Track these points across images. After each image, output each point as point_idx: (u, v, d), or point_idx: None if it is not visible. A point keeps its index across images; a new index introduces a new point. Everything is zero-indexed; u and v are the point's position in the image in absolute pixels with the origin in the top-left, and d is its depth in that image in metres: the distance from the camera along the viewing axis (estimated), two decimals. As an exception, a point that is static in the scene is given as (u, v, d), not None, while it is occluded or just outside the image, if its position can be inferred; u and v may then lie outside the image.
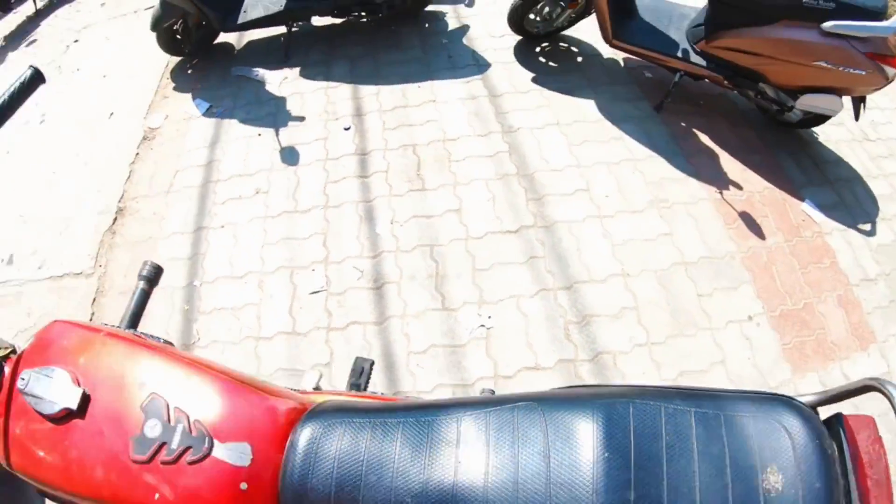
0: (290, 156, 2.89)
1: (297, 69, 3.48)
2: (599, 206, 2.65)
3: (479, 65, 3.35)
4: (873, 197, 2.80)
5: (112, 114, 3.57)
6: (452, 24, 3.72)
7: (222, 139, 3.08)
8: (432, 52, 3.49)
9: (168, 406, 0.94)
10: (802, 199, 2.74)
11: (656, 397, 0.87)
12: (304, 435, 0.97)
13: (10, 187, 3.28)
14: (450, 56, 3.40)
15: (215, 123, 3.20)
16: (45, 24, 5.47)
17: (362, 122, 3.02)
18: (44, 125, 3.75)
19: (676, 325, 2.32)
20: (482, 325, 2.28)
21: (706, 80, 2.89)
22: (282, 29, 3.71)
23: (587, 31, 3.43)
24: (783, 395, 0.87)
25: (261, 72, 3.50)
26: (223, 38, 3.83)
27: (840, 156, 2.98)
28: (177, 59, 3.80)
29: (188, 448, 0.90)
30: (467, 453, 0.89)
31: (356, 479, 0.91)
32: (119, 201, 2.95)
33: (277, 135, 3.01)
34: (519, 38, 3.45)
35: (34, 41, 5.20)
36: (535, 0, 3.09)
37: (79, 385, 0.94)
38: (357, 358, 1.50)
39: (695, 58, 2.77)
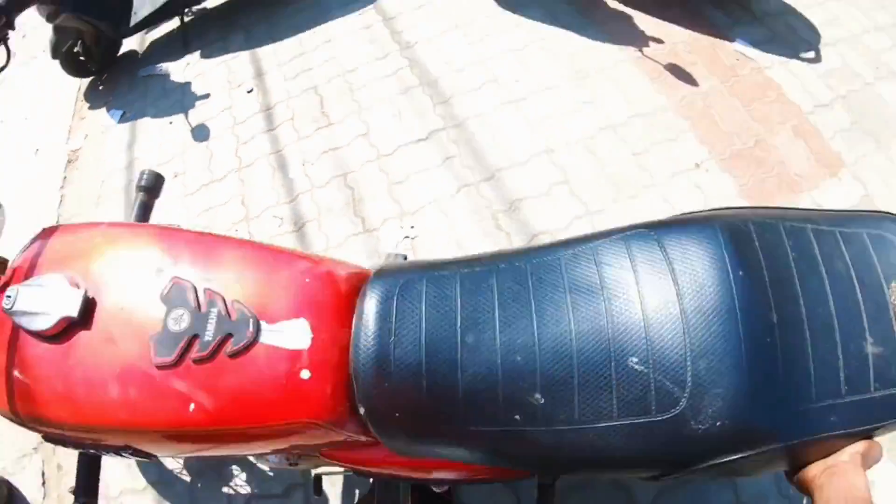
0: (200, 133, 2.87)
1: (198, 52, 3.45)
2: (511, 91, 2.55)
3: None
4: (811, 25, 2.62)
5: (38, 150, 3.59)
6: None
7: (138, 139, 3.07)
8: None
9: (195, 290, 0.75)
10: (733, 41, 2.59)
11: (770, 216, 0.75)
12: (376, 298, 0.76)
13: None
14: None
15: (130, 127, 3.19)
16: None
17: (263, 82, 2.97)
18: None
19: (615, 189, 2.22)
20: (406, 237, 2.23)
21: None
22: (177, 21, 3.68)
23: None
24: (890, 213, 0.78)
25: (164, 66, 3.47)
26: (126, 45, 3.80)
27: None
28: (88, 79, 3.79)
29: (228, 337, 0.72)
30: (580, 296, 0.73)
31: (451, 341, 0.72)
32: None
33: (187, 117, 2.98)
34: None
35: None
36: None
37: (78, 288, 0.76)
38: None
39: None
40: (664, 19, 2.68)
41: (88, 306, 0.75)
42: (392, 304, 0.75)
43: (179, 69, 3.39)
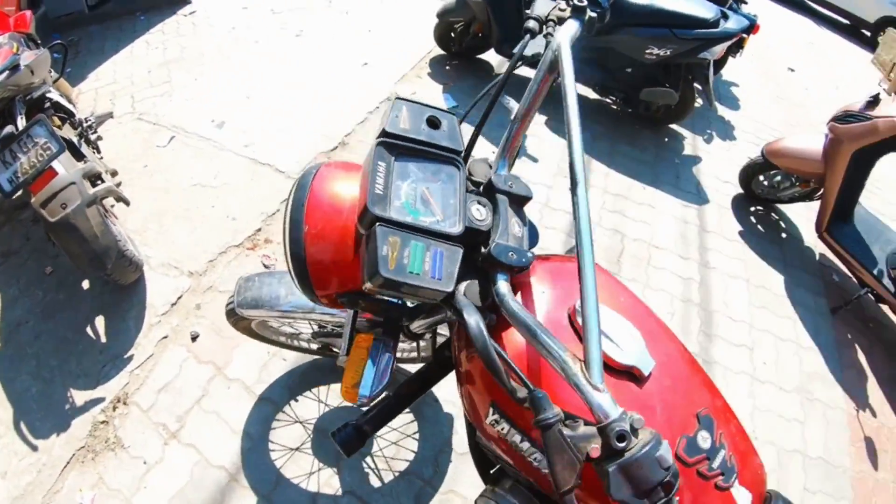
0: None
1: (545, 117, 3.61)
2: (755, 367, 2.57)
3: (699, 195, 3.35)
4: None
5: (366, 63, 3.87)
6: (688, 149, 3.77)
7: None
8: (662, 163, 3.53)
9: (716, 428, 0.84)
10: None
11: None
12: None
13: (250, 72, 3.58)
14: (677, 176, 3.51)
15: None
16: None
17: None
18: (300, 38, 4.09)
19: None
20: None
21: (888, 305, 2.86)
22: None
23: (799, 214, 3.44)
24: None
25: (511, 101, 3.70)
26: (484, 55, 4.11)
27: None
28: (439, 51, 4.09)
29: (720, 474, 0.81)
30: None
31: None
32: (346, 136, 3.13)
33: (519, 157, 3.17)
34: (741, 191, 3.51)
35: None
36: (770, 166, 3.17)
37: (651, 356, 0.83)
38: None
39: (887, 282, 2.73)
40: (888, 399, 2.66)
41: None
42: None
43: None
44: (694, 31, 3.12)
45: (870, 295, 2.86)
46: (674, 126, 3.87)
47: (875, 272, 2.78)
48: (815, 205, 3.13)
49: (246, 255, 2.39)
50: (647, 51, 3.24)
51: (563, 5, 1.02)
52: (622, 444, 0.59)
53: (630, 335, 0.83)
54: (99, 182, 1.97)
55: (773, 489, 0.92)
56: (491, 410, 0.82)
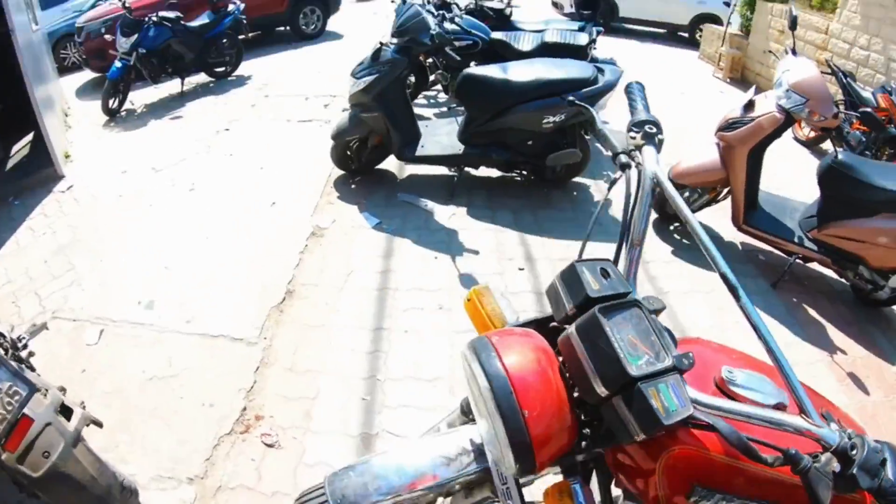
0: (468, 281, 3.07)
1: (464, 208, 3.75)
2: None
3: None
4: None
5: (274, 203, 3.82)
6: (597, 195, 4.12)
7: (395, 253, 3.24)
8: (583, 215, 3.80)
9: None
10: (893, 364, 2.92)
11: None
12: None
13: (156, 239, 3.39)
14: (600, 223, 3.76)
15: (386, 238, 3.38)
16: (191, 106, 6.02)
17: (534, 266, 3.23)
18: (195, 192, 3.96)
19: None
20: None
21: (816, 262, 3.27)
22: (441, 168, 4.13)
23: (709, 218, 3.81)
24: None
25: (429, 203, 3.82)
26: (383, 164, 4.22)
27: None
28: (339, 172, 4.16)
29: None
30: None
31: None
32: (289, 283, 3.05)
33: (454, 261, 3.22)
34: (656, 216, 3.87)
35: (179, 117, 5.68)
36: (678, 187, 3.54)
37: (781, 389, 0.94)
38: None
39: (808, 244, 3.16)
40: (847, 335, 3.01)
41: None
42: None
43: (444, 214, 3.65)
44: (581, 92, 3.49)
45: (798, 260, 3.28)
46: (576, 179, 4.22)
47: (796, 240, 3.21)
48: (719, 206, 3.59)
49: (243, 441, 2.18)
50: (544, 121, 3.57)
51: (633, 135, 1.18)
52: (854, 452, 0.78)
53: (762, 380, 0.96)
54: (70, 411, 1.72)
55: None
56: (695, 491, 0.91)
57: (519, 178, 4.19)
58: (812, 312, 3.19)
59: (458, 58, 3.66)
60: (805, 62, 3.25)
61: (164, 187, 4.06)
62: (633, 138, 1.17)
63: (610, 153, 1.19)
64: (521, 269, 3.20)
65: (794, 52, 3.44)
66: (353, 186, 4.05)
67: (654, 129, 1.17)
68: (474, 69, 3.76)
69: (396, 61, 3.58)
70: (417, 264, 3.18)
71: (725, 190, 3.53)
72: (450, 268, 3.17)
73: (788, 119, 3.12)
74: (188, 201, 3.87)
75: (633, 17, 10.41)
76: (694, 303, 3.12)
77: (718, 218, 3.73)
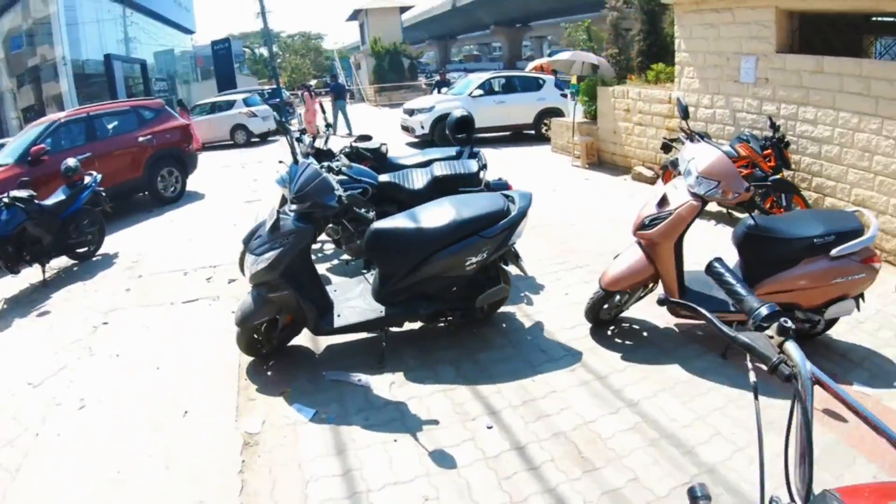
0: (443, 459, 2.67)
1: (401, 373, 3.41)
2: (735, 443, 2.67)
3: (571, 354, 3.51)
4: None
5: (186, 412, 3.21)
6: (526, 321, 4.00)
7: (349, 447, 2.80)
8: (525, 348, 3.64)
9: None
10: (851, 384, 3.10)
11: None
12: None
13: (51, 487, 2.70)
14: (542, 350, 3.63)
15: (331, 430, 2.92)
16: (58, 297, 5.25)
17: (501, 419, 2.96)
18: (85, 412, 3.29)
19: None
20: None
21: None
22: (361, 335, 3.78)
23: (638, 310, 3.91)
24: None
25: (362, 377, 3.40)
26: (296, 341, 3.81)
27: (853, 343, 3.52)
28: (248, 358, 3.66)
29: None
30: None
31: None
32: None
33: (417, 439, 2.82)
34: (590, 325, 3.82)
35: (46, 312, 4.89)
36: (610, 294, 3.58)
37: None
38: None
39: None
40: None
41: None
42: None
43: (383, 385, 3.30)
44: (498, 226, 3.42)
45: (739, 325, 3.37)
46: (500, 310, 4.08)
47: (733, 308, 3.22)
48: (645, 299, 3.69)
49: None
50: (467, 263, 3.42)
51: (770, 334, 1.08)
52: None
53: None
54: None
55: None
56: None
57: (443, 325, 3.95)
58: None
59: (371, 216, 3.45)
60: (706, 147, 3.50)
61: (47, 407, 3.34)
62: (771, 337, 1.06)
63: (764, 366, 1.04)
64: (489, 428, 2.92)
65: (691, 138, 3.70)
66: (269, 374, 3.57)
67: (788, 322, 1.05)
68: (382, 223, 3.55)
69: (301, 231, 3.26)
70: (379, 454, 2.77)
71: (654, 283, 3.59)
72: (415, 448, 2.80)
73: (703, 203, 3.29)
74: (81, 425, 3.16)
75: (486, 125, 11.13)
76: (664, 402, 3.07)
77: (644, 310, 3.84)
